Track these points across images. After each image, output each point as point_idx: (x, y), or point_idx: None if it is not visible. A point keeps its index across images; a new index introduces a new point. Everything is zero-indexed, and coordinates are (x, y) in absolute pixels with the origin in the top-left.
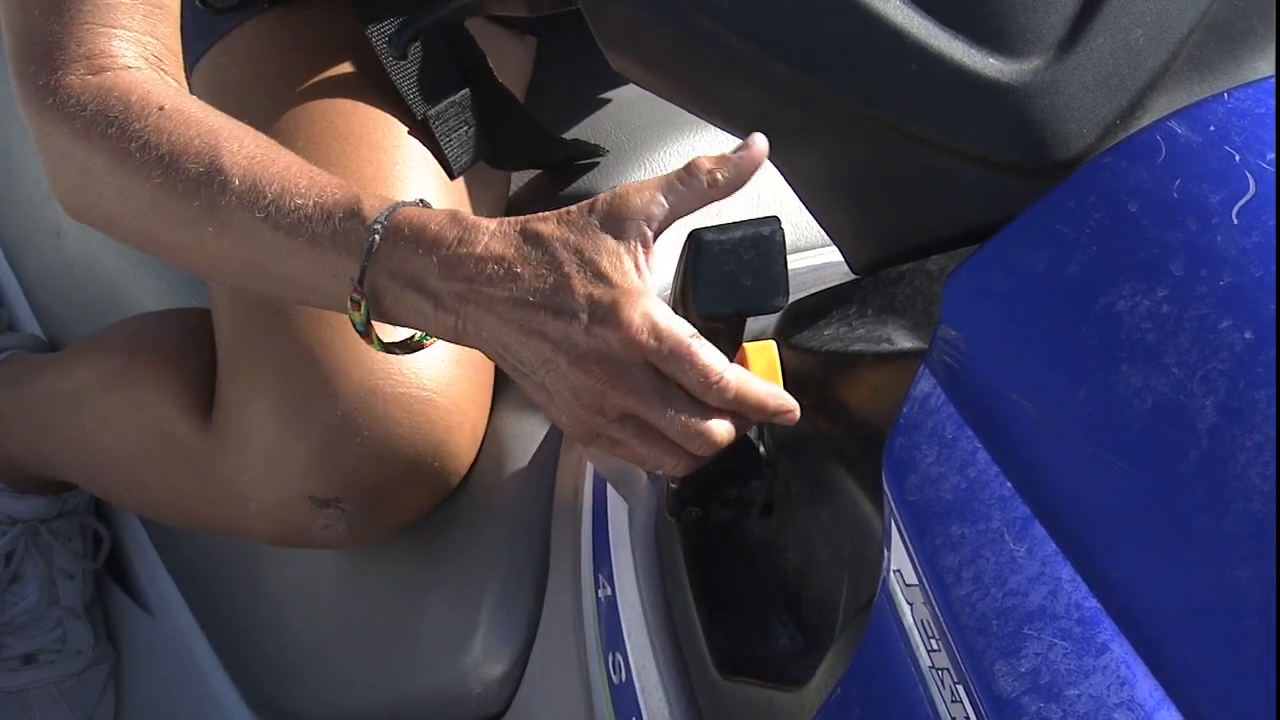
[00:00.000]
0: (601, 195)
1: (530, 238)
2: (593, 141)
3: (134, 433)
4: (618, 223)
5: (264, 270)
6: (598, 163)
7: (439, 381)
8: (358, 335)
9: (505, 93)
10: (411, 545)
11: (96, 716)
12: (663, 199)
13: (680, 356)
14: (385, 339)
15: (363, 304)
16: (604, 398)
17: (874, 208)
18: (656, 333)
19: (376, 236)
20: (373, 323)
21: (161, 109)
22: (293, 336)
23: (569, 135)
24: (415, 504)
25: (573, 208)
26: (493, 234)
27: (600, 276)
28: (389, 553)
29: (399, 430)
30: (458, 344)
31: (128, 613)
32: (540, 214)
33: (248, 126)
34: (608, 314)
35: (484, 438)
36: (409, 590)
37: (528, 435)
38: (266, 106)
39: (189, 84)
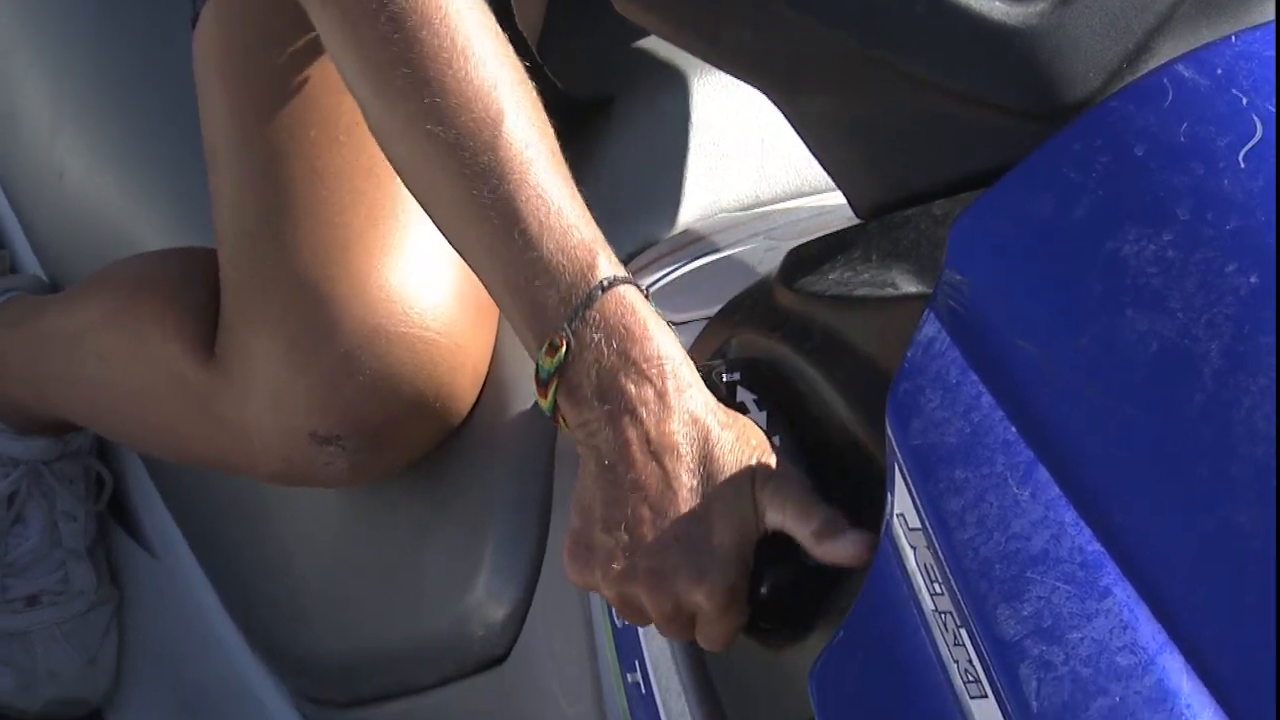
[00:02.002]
0: (775, 458)
1: (700, 423)
2: (600, 88)
3: (136, 369)
4: (772, 492)
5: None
6: (606, 110)
7: (442, 322)
8: (360, 272)
9: (519, 34)
10: (414, 488)
11: (99, 657)
12: (801, 517)
13: (715, 631)
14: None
15: (561, 351)
16: (628, 594)
17: (879, 152)
18: (715, 605)
19: (600, 292)
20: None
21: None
22: (297, 273)
23: (576, 80)
24: (416, 443)
25: (756, 434)
26: (682, 391)
27: (707, 521)
28: (392, 495)
29: (401, 369)
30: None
31: (131, 555)
32: (734, 414)
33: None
34: (691, 568)
35: (485, 381)
36: (412, 533)
37: (530, 379)
38: (283, 33)
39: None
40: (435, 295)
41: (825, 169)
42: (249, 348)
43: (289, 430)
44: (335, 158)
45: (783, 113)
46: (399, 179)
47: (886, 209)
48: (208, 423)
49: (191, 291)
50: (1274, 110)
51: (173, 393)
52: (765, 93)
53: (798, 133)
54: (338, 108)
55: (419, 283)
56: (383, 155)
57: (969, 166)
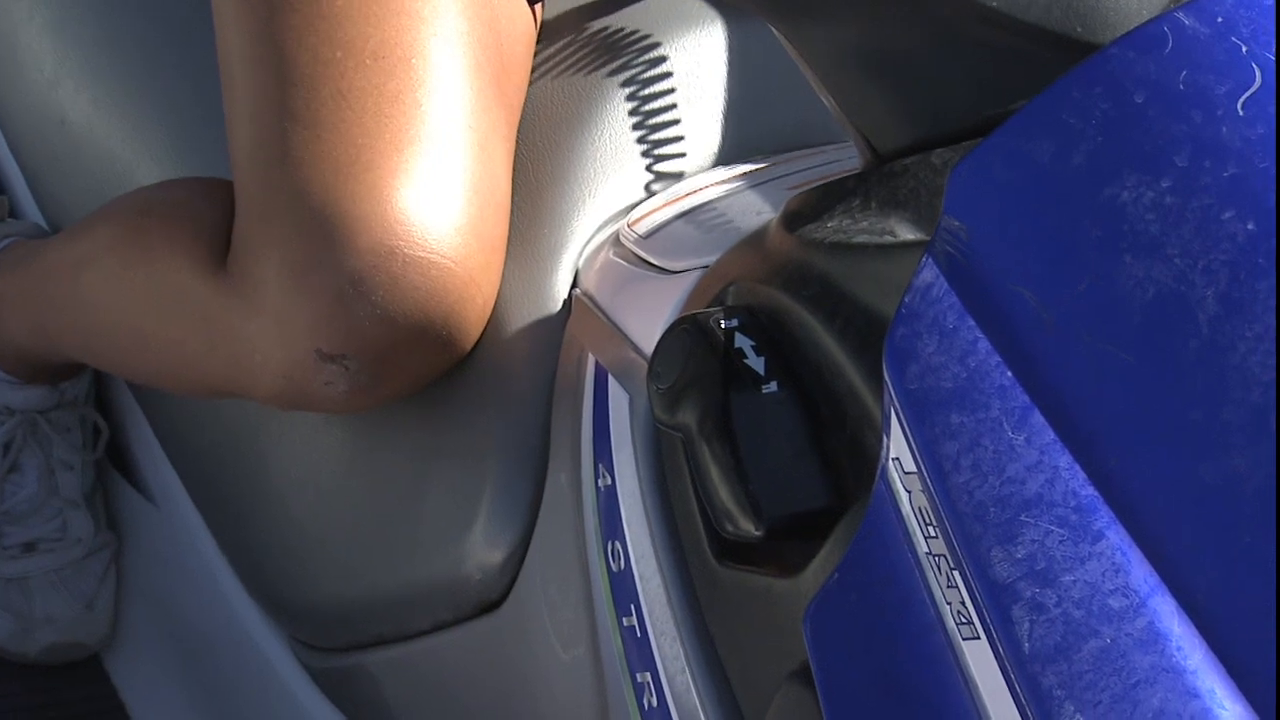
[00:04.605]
0: None
1: None
2: None
3: (142, 288)
4: None
5: None
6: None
7: (457, 251)
8: (381, 194)
9: None
10: (410, 433)
11: (96, 602)
12: None
13: None
14: None
15: None
16: None
17: (903, 89)
18: None
19: None
20: None
21: None
22: (315, 189)
23: None
24: (418, 371)
25: None
26: None
27: None
28: (389, 440)
29: (413, 292)
30: None
31: (130, 501)
32: None
33: None
34: None
35: (488, 322)
36: (409, 478)
37: (529, 322)
38: None
39: None
40: (452, 223)
41: (841, 110)
42: (261, 261)
43: (294, 346)
44: (360, 79)
45: (792, 48)
46: (425, 106)
47: (915, 150)
48: (211, 338)
49: (204, 212)
50: (1273, 58)
51: (178, 310)
52: (774, 23)
53: (809, 71)
54: (364, 33)
55: (438, 209)
56: (410, 81)
57: (1009, 101)
